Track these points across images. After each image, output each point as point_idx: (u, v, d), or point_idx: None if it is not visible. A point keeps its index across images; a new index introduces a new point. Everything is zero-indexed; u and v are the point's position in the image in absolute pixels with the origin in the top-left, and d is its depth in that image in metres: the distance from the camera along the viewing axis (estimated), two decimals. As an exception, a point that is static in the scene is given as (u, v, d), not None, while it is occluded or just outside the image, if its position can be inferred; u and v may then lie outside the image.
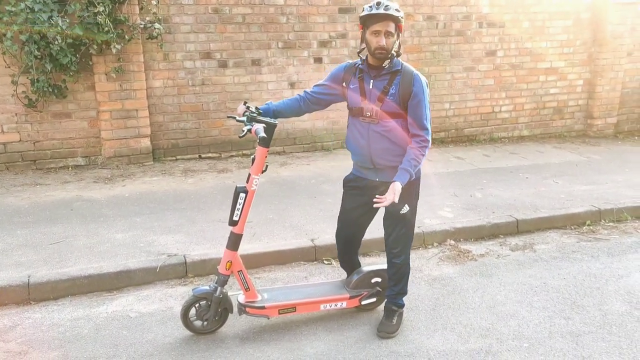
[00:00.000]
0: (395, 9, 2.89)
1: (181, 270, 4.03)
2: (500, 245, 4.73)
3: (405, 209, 3.16)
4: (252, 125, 3.07)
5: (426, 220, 4.92)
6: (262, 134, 2.99)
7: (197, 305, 3.21)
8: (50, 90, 6.01)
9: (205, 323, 3.23)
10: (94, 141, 6.48)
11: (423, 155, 3.01)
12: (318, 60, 7.22)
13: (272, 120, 3.08)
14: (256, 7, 6.83)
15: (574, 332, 3.35)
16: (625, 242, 4.80)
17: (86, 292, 3.77)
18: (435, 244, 4.69)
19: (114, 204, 5.24)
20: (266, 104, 3.28)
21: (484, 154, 7.49)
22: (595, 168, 6.85)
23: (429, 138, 3.03)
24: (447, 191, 5.78)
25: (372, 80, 3.06)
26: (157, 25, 6.18)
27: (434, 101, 7.91)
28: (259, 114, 3.16)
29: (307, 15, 7.06)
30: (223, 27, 6.76)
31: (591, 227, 5.12)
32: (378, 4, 2.88)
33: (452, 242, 4.71)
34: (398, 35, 2.97)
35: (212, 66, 6.81)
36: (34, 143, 6.26)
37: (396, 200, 2.92)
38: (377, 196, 2.97)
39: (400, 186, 2.95)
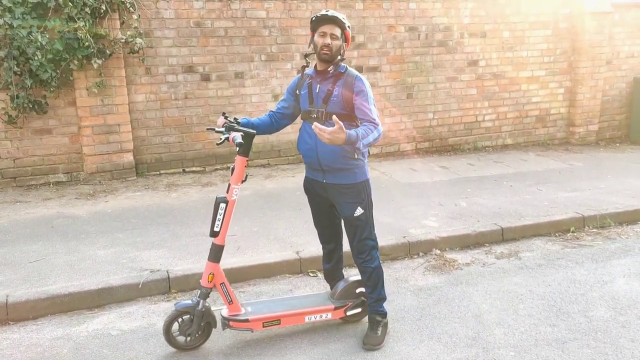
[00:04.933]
0: (343, 17, 3.13)
1: (164, 286, 3.98)
2: (486, 253, 4.73)
3: (359, 211, 3.22)
4: (230, 134, 3.08)
5: (411, 229, 4.91)
6: (240, 140, 3.03)
7: (179, 319, 3.16)
8: (31, 106, 5.94)
9: (189, 338, 3.18)
10: (76, 157, 6.41)
11: (371, 131, 3.01)
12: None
13: (249, 130, 3.12)
14: (238, 21, 6.84)
15: (559, 339, 3.34)
16: (609, 248, 4.83)
17: (66, 310, 3.69)
18: (420, 254, 4.67)
19: (96, 220, 5.17)
20: (245, 118, 3.37)
21: (468, 163, 7.53)
22: (577, 175, 6.91)
23: (380, 129, 3.07)
24: (432, 200, 5.79)
25: (318, 85, 3.19)
26: (138, 39, 6.15)
27: (417, 111, 7.96)
28: (238, 123, 3.19)
29: (289, 28, 7.09)
30: (205, 40, 6.75)
31: (575, 234, 5.14)
32: (327, 11, 3.14)
33: (438, 251, 4.70)
34: (343, 42, 3.15)
35: (194, 80, 6.79)
36: (14, 160, 6.16)
37: (332, 139, 2.81)
38: (316, 124, 2.86)
39: (344, 137, 2.82)
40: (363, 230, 3.27)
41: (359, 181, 3.23)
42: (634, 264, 4.45)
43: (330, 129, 2.84)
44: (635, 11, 8.92)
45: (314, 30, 3.17)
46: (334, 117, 2.90)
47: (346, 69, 3.19)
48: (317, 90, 3.18)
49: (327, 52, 3.09)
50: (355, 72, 3.19)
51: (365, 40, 7.48)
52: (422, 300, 3.87)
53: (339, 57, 3.16)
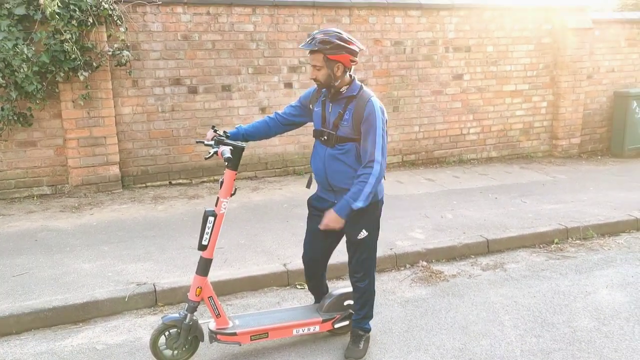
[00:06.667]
0: (320, 42, 2.91)
1: (151, 299, 3.95)
2: (472, 265, 4.77)
3: (363, 234, 3.16)
4: (219, 148, 3.08)
5: (398, 242, 4.94)
6: (228, 155, 3.00)
7: (166, 333, 3.13)
8: (16, 118, 5.90)
9: (176, 352, 3.15)
10: (61, 169, 6.36)
11: (366, 182, 2.95)
12: (288, 85, 7.27)
13: (239, 144, 3.10)
14: (226, 34, 6.88)
15: (544, 350, 3.38)
16: (592, 259, 4.90)
17: (50, 325, 3.65)
18: (407, 266, 4.70)
19: (81, 233, 5.12)
20: (236, 128, 3.33)
21: (454, 176, 7.60)
22: (561, 187, 7.01)
23: (378, 168, 2.97)
24: (418, 212, 5.83)
25: (330, 105, 3.12)
26: (125, 52, 6.16)
27: (403, 124, 8.04)
28: (227, 137, 3.19)
29: (276, 41, 7.14)
30: (193, 53, 6.77)
31: (559, 245, 5.22)
32: (308, 37, 2.99)
33: (424, 263, 4.73)
34: (331, 67, 2.96)
35: (182, 92, 6.80)
36: (-3, 172, 6.10)
37: (336, 226, 3.03)
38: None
39: (336, 215, 3.00)
40: (363, 252, 3.20)
41: (369, 204, 3.06)
42: (616, 275, 4.52)
43: (323, 222, 3.05)
44: (615, 27, 9.15)
45: None
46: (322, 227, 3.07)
47: (360, 89, 3.06)
48: (330, 111, 3.10)
49: (318, 83, 3.03)
50: (368, 95, 3.02)
51: (352, 54, 7.54)
52: (409, 312, 3.89)
53: (337, 81, 3.00)
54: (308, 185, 3.30)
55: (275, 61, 7.18)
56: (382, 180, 3.13)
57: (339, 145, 3.06)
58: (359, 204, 2.97)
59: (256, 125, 3.36)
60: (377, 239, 3.28)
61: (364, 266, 3.24)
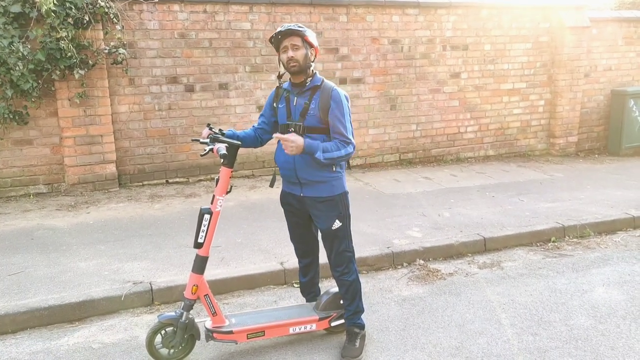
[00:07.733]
0: (297, 26, 3.06)
1: (147, 298, 3.94)
2: (469, 263, 4.77)
3: (337, 224, 3.21)
4: (215, 145, 3.07)
5: (395, 240, 4.94)
6: (224, 152, 3.02)
7: (162, 332, 3.13)
8: (11, 116, 5.88)
9: (172, 351, 3.15)
10: (57, 168, 6.34)
11: (340, 149, 3.03)
12: (285, 83, 7.26)
13: (234, 141, 3.09)
14: (223, 32, 6.86)
15: (541, 348, 3.38)
16: (589, 257, 4.90)
17: (46, 324, 3.64)
18: (404, 264, 4.70)
19: (78, 231, 5.11)
20: (230, 130, 3.34)
21: (451, 174, 7.60)
22: (558, 186, 7.02)
23: (351, 149, 3.08)
24: (415, 211, 5.83)
25: (296, 98, 3.17)
26: (121, 50, 6.14)
27: (401, 123, 8.03)
28: (223, 135, 3.18)
29: (273, 40, 7.12)
30: (189, 51, 6.76)
31: (556, 244, 5.22)
32: (282, 27, 3.09)
33: (422, 261, 4.73)
34: (308, 49, 3.08)
35: (178, 90, 6.78)
36: (-7, 171, 6.08)
37: (293, 147, 2.93)
38: (277, 134, 3.04)
39: (302, 145, 2.94)
40: (340, 243, 3.25)
41: (337, 194, 3.19)
42: (613, 273, 4.52)
43: (285, 136, 2.95)
44: (612, 26, 9.16)
45: (277, 49, 3.13)
46: (276, 134, 3.03)
47: (322, 81, 3.16)
48: (295, 104, 3.15)
49: (295, 64, 3.05)
50: (332, 85, 3.15)
51: (349, 53, 7.55)
52: (406, 310, 3.89)
53: (311, 66, 3.11)
54: (271, 184, 3.30)
55: (273, 59, 7.16)
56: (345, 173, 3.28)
57: (306, 136, 3.08)
58: (321, 157, 2.98)
59: (247, 133, 3.42)
60: (350, 230, 3.31)
61: (344, 258, 3.28)
